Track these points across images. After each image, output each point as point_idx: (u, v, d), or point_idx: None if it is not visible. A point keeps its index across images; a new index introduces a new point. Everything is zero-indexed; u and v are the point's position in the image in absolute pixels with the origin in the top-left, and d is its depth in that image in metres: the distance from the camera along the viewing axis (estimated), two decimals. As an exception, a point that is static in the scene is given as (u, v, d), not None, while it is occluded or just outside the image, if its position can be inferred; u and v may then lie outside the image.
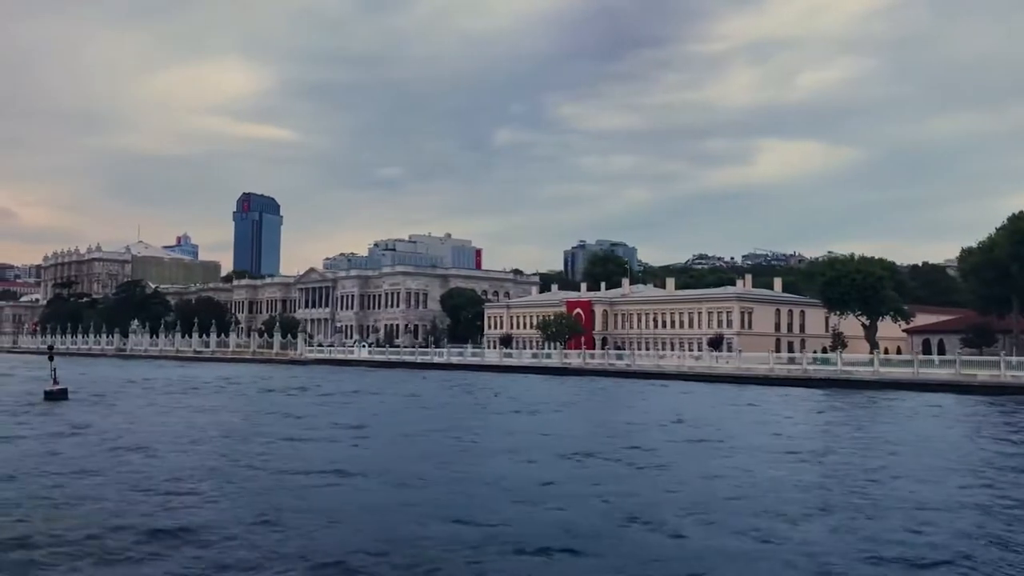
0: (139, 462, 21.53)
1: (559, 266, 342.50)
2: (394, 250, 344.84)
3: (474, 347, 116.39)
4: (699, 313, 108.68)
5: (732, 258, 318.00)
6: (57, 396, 43.40)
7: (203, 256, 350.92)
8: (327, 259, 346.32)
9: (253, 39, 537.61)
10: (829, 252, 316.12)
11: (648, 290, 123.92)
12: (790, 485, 19.15)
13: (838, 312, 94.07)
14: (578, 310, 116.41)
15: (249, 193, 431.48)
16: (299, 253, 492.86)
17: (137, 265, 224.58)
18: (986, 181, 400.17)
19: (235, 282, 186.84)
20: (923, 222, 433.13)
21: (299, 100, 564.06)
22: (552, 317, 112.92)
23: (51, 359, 45.69)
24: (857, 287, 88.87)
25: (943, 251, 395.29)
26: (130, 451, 23.56)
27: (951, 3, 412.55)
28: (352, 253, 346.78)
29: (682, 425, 33.00)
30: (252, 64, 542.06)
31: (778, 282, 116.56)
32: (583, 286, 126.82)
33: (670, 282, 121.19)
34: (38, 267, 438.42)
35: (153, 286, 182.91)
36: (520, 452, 24.08)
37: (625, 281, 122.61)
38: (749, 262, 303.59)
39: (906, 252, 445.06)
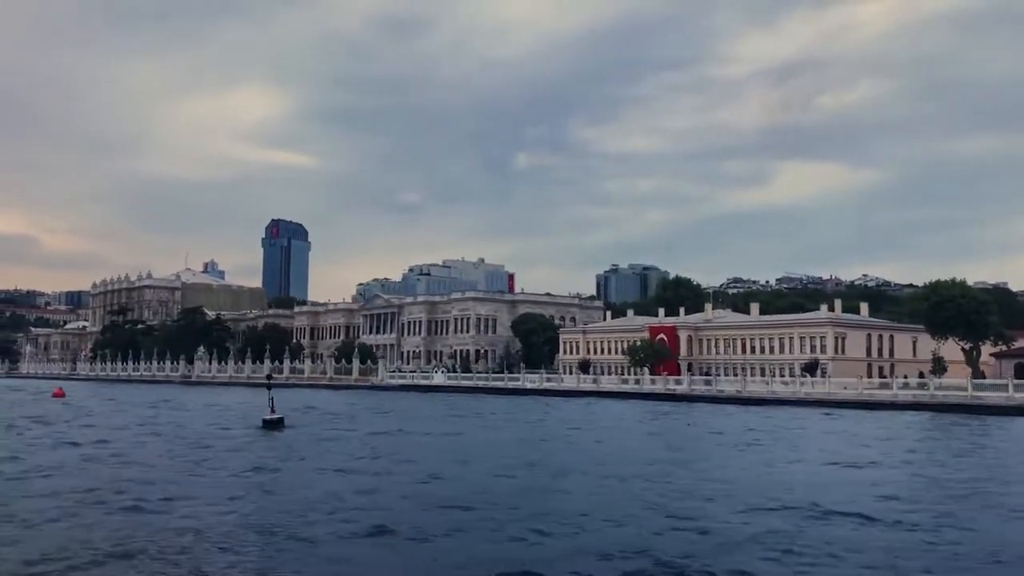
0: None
1: (586, 289, 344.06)
2: (429, 275, 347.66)
3: (548, 372, 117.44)
4: (790, 338, 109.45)
5: (767, 281, 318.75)
6: (275, 424, 44.13)
7: (230, 281, 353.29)
8: (360, 284, 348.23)
9: (277, 65, 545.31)
10: (864, 275, 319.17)
11: (730, 315, 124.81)
12: None
13: (938, 336, 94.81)
14: (662, 335, 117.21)
15: (278, 219, 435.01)
16: (326, 278, 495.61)
17: (186, 292, 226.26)
18: (1012, 203, 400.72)
19: (296, 308, 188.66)
20: (949, 243, 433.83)
21: (321, 125, 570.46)
22: (638, 342, 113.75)
23: (269, 388, 46.84)
24: (962, 312, 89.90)
25: (974, 272, 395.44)
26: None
27: (973, 24, 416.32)
28: (386, 278, 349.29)
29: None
30: (276, 90, 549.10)
31: (864, 306, 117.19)
32: (661, 311, 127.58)
33: (754, 307, 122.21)
34: (68, 293, 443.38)
35: (211, 313, 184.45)
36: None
37: (708, 306, 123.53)
38: (784, 285, 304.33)
39: (935, 274, 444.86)
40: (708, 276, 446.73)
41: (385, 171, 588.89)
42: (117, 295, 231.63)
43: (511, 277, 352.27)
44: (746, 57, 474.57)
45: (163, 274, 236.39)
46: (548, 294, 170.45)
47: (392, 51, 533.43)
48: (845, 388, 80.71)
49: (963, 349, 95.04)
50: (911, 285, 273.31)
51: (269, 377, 51.23)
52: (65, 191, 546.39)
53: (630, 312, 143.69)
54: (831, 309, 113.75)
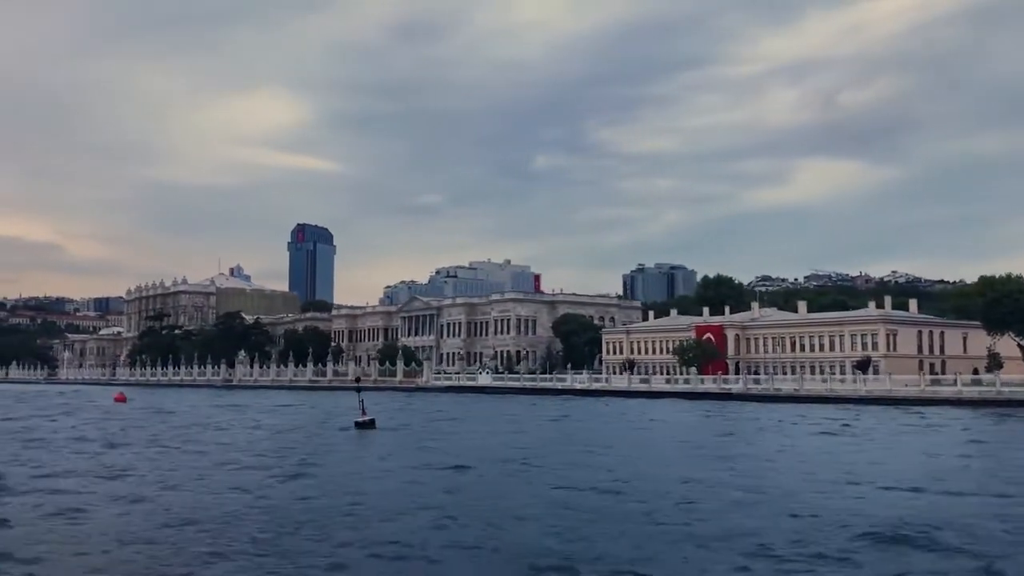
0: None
1: (611, 288, 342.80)
2: (456, 277, 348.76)
3: (592, 373, 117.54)
4: (840, 336, 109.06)
5: (796, 279, 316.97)
6: (367, 426, 44.81)
7: (257, 285, 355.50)
8: (388, 287, 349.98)
9: (293, 71, 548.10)
10: (894, 271, 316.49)
11: (776, 313, 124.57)
12: None
13: (994, 332, 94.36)
14: (708, 335, 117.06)
15: (304, 224, 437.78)
16: (350, 281, 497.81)
17: (221, 297, 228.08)
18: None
19: (334, 311, 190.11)
20: (969, 240, 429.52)
21: (338, 130, 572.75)
22: (686, 342, 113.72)
23: (359, 391, 47.54)
24: (1020, 307, 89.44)
25: (994, 267, 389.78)
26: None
27: (992, 19, 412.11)
28: (412, 280, 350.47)
29: None
30: (292, 95, 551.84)
31: (913, 303, 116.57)
32: (705, 310, 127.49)
33: (801, 305, 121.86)
34: (97, 299, 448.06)
35: (249, 317, 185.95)
36: None
37: (755, 304, 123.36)
38: (813, 283, 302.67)
39: (960, 270, 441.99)
40: (732, 274, 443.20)
41: (404, 174, 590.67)
42: (152, 300, 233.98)
43: (537, 278, 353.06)
44: (762, 56, 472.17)
45: (192, 279, 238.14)
46: (574, 294, 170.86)
47: (407, 56, 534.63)
48: (906, 385, 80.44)
49: (1019, 345, 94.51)
50: (942, 281, 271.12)
51: (358, 380, 52.11)
52: (87, 198, 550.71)
53: (673, 311, 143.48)
54: (879, 306, 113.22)
